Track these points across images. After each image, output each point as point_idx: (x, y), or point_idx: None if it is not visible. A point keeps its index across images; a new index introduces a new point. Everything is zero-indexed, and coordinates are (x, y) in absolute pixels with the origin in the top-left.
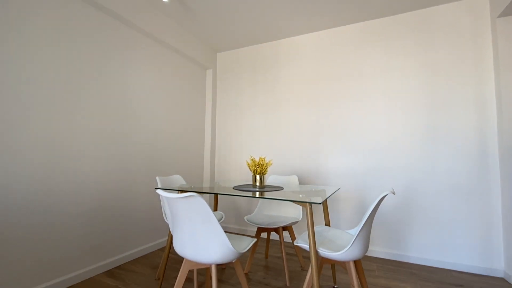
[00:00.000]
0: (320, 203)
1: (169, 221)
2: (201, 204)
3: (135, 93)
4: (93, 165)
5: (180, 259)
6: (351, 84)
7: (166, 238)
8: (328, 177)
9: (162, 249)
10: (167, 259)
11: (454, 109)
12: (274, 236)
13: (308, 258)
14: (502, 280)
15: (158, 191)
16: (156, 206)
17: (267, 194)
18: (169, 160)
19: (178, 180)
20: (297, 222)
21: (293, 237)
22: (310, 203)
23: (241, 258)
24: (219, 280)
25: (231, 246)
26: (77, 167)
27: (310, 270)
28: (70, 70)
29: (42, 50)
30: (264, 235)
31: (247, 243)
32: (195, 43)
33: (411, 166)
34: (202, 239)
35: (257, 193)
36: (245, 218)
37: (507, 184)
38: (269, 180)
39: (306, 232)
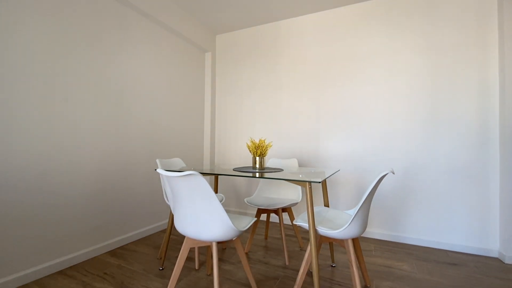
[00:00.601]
0: (319, 182)
1: (170, 201)
2: (201, 182)
3: (132, 75)
4: (92, 148)
5: (181, 240)
6: (352, 66)
7: (167, 220)
8: (327, 161)
9: (163, 231)
10: (169, 239)
11: (457, 92)
12: (273, 219)
13: (307, 239)
14: (496, 259)
15: (159, 170)
16: (156, 189)
17: (267, 175)
18: (169, 144)
19: (178, 163)
20: (296, 204)
21: (292, 218)
22: (310, 182)
23: (241, 238)
24: (219, 260)
25: (231, 224)
26: (75, 150)
27: (309, 247)
28: (64, 51)
29: (31, 30)
30: (263, 217)
31: (247, 222)
32: (194, 23)
33: (411, 149)
34: (203, 217)
35: (257, 174)
36: (245, 200)
37: (506, 168)
38: (269, 163)
39: (305, 212)
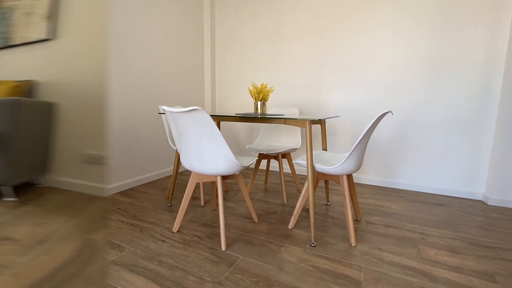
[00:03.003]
0: (319, 120)
1: (175, 140)
2: (205, 117)
3: (129, 23)
4: None
5: (186, 183)
6: (356, 14)
7: (172, 167)
8: (328, 112)
9: (168, 177)
10: (176, 178)
11: (463, 44)
12: (272, 168)
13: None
14: (480, 202)
15: (163, 107)
16: (160, 137)
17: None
18: (169, 93)
19: None
20: (296, 149)
21: (291, 163)
22: (310, 120)
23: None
24: (223, 199)
25: (234, 158)
26: None
27: (306, 184)
28: None
29: None
30: (263, 166)
31: (249, 160)
32: None
33: (411, 100)
34: (207, 152)
35: (259, 117)
36: (246, 146)
37: (503, 120)
38: (270, 112)
39: (304, 155)
